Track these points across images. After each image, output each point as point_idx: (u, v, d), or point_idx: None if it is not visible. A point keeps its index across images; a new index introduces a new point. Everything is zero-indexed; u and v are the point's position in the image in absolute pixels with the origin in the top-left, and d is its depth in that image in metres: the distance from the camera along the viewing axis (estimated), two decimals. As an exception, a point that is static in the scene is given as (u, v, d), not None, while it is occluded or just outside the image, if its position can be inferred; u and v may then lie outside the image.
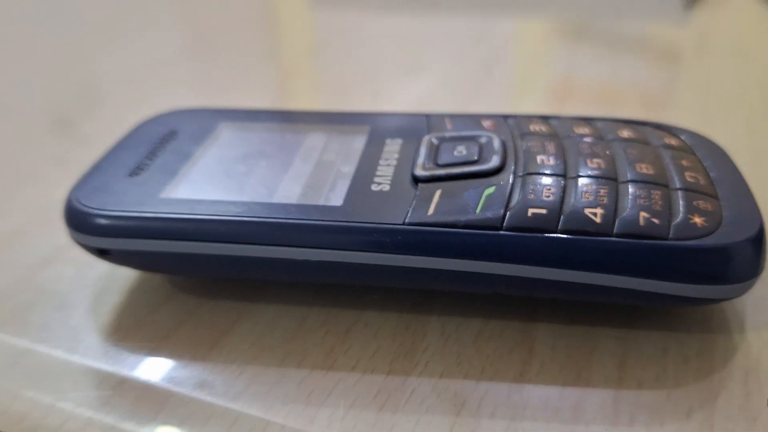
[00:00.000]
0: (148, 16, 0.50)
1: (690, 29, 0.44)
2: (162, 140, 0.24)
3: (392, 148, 0.22)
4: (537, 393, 0.18)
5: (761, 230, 0.18)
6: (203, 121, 0.25)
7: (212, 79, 0.40)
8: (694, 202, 0.18)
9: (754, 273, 0.18)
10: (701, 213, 0.18)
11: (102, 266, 0.23)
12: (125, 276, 0.22)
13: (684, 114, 0.32)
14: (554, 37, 0.45)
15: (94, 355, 0.20)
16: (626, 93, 0.35)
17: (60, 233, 0.21)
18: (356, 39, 0.44)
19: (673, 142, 0.21)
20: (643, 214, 0.18)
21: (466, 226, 0.18)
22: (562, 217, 0.18)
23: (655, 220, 0.18)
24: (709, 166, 0.20)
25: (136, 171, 0.22)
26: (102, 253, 0.20)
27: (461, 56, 0.40)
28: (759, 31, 0.43)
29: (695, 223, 0.18)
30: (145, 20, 0.49)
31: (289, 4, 0.55)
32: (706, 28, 0.43)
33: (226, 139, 0.24)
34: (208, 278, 0.22)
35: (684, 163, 0.20)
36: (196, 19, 0.52)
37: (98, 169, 0.22)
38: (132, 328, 0.21)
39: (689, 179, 0.19)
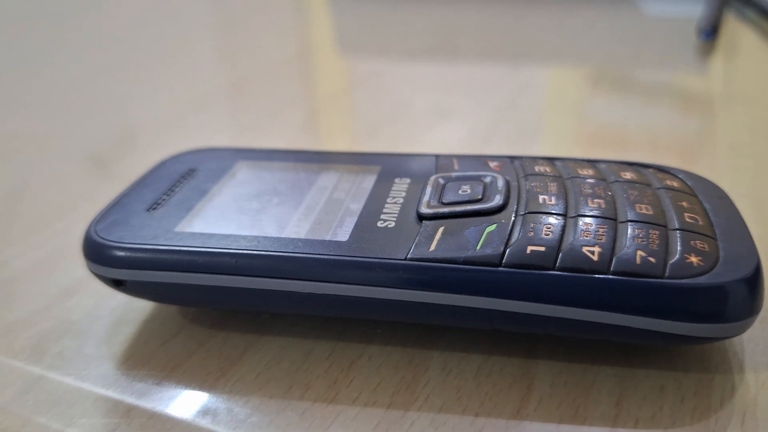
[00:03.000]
0: (186, 60, 0.52)
1: (704, 77, 0.44)
2: (181, 177, 0.24)
3: (400, 187, 0.23)
4: (534, 429, 0.18)
5: (757, 270, 0.18)
6: (221, 160, 0.26)
7: (243, 120, 0.41)
8: (691, 242, 0.19)
9: (750, 312, 0.18)
10: (697, 252, 0.18)
11: (119, 297, 0.23)
12: (140, 307, 0.23)
13: (693, 159, 0.33)
14: (572, 84, 0.46)
15: (105, 383, 0.20)
16: (639, 138, 0.35)
17: (83, 265, 0.22)
18: (381, 84, 0.45)
19: (675, 184, 0.22)
20: (639, 252, 0.18)
21: (465, 262, 0.19)
22: (560, 254, 0.19)
23: (652, 259, 0.18)
24: (709, 207, 0.21)
25: (154, 206, 0.23)
26: (117, 284, 0.21)
27: (480, 102, 0.41)
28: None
29: (691, 262, 0.18)
30: (182, 63, 0.51)
31: (319, 51, 0.56)
32: (721, 77, 0.44)
33: (242, 177, 0.25)
34: (218, 310, 0.23)
35: (683, 204, 0.20)
36: (232, 63, 0.53)
37: (118, 203, 0.23)
38: (144, 358, 0.21)
39: (688, 220, 0.20)
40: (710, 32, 0.48)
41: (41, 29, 0.62)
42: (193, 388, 0.20)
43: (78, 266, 0.24)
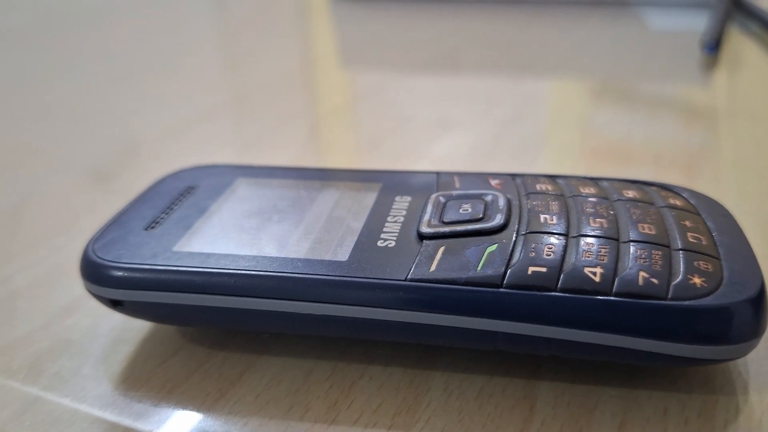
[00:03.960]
0: (188, 73, 0.52)
1: (708, 91, 0.44)
2: (180, 195, 0.24)
3: (401, 205, 0.23)
4: (536, 451, 0.18)
5: (761, 291, 0.18)
6: (221, 177, 0.25)
7: (246, 134, 0.41)
8: (695, 263, 0.19)
9: (754, 334, 0.18)
10: (701, 273, 0.18)
11: (118, 316, 0.23)
12: (139, 327, 0.23)
13: (697, 174, 0.33)
14: (575, 97, 0.46)
15: (102, 404, 0.20)
16: (642, 153, 0.35)
17: (81, 284, 0.22)
18: (383, 97, 0.45)
19: (678, 202, 0.21)
20: (642, 273, 0.18)
21: (466, 282, 0.19)
22: (561, 275, 0.18)
23: (654, 280, 0.18)
24: (713, 227, 0.20)
25: (153, 224, 0.23)
26: (115, 304, 0.21)
27: (483, 115, 0.41)
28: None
29: (694, 283, 0.18)
30: (185, 77, 0.51)
31: (322, 64, 0.56)
32: (724, 90, 0.44)
33: (242, 194, 0.24)
34: (217, 330, 0.23)
35: (687, 223, 0.20)
36: (234, 77, 0.53)
37: (116, 222, 0.23)
38: (142, 378, 0.21)
39: (691, 240, 0.19)
40: (714, 46, 0.47)
41: (44, 43, 0.62)
42: (192, 410, 0.20)
43: (78, 283, 0.23)
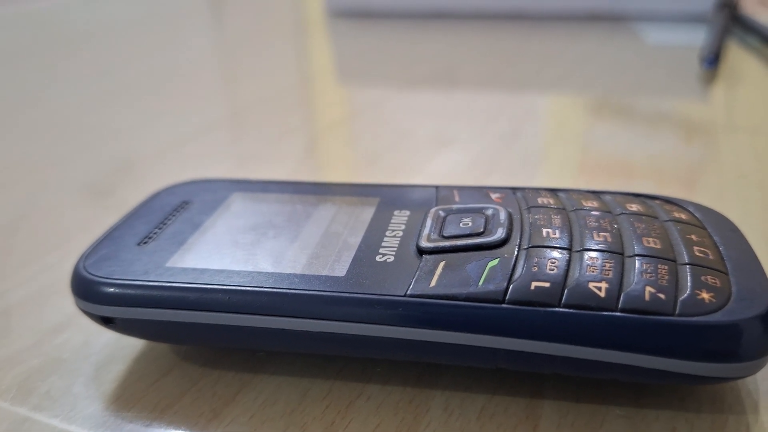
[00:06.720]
0: (185, 89, 0.52)
1: (708, 105, 0.44)
2: (174, 210, 0.24)
3: (399, 219, 0.22)
4: (540, 473, 0.17)
5: (771, 307, 0.17)
6: (215, 192, 0.25)
7: (243, 149, 0.40)
8: (702, 278, 0.18)
9: (764, 351, 0.17)
10: (709, 288, 0.18)
11: (110, 334, 0.23)
12: (131, 345, 0.22)
13: (699, 189, 0.32)
14: (574, 113, 0.45)
15: (93, 424, 0.19)
16: (642, 167, 0.34)
17: (72, 301, 0.21)
18: (381, 113, 0.45)
19: (683, 216, 0.21)
20: (648, 288, 0.18)
21: (467, 298, 0.18)
22: (565, 290, 0.18)
23: (661, 295, 0.17)
24: (720, 241, 0.20)
25: (146, 240, 0.22)
26: (106, 321, 0.20)
27: (481, 131, 0.40)
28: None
29: (702, 299, 0.17)
30: (181, 93, 0.51)
31: (319, 80, 0.56)
32: (724, 105, 0.43)
33: (237, 209, 0.24)
34: (211, 348, 0.22)
35: (693, 237, 0.20)
36: (231, 92, 0.53)
37: (108, 237, 0.22)
38: (134, 398, 0.20)
39: (697, 254, 0.19)
40: (713, 60, 0.47)
41: (40, 60, 0.62)
42: (184, 430, 0.19)
43: (70, 301, 0.23)
